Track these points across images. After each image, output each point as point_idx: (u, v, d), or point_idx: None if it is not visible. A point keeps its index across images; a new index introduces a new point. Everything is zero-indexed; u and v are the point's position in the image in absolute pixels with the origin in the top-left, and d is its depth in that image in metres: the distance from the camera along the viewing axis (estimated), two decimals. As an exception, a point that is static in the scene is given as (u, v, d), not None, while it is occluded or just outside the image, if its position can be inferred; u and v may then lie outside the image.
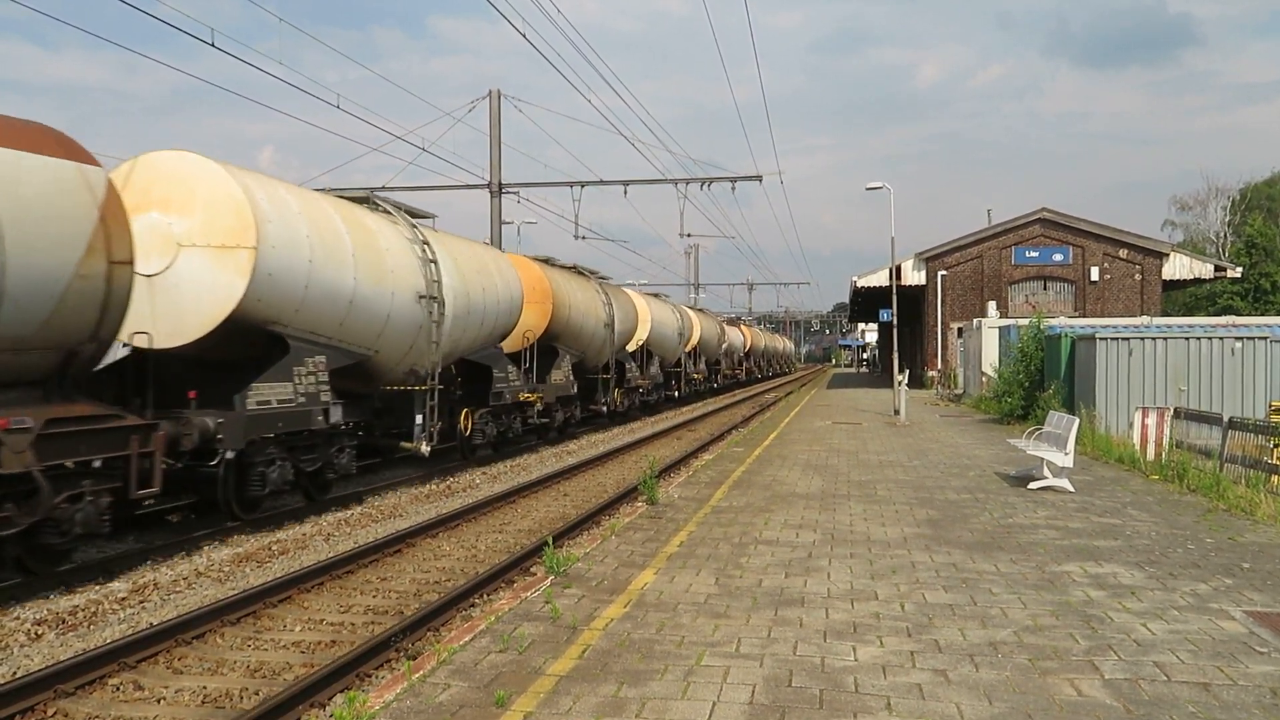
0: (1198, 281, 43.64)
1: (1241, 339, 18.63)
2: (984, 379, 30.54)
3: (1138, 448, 15.13)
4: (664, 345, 32.47)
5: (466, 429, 16.88)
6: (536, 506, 13.50)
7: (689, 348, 37.70)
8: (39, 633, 7.46)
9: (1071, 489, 12.19)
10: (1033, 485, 12.45)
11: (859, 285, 44.11)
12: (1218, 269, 42.49)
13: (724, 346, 46.91)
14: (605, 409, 25.46)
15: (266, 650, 7.13)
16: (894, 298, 33.01)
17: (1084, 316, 37.92)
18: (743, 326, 60.00)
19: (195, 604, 8.20)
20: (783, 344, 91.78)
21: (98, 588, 8.73)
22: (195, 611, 7.56)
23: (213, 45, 14.92)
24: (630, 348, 28.86)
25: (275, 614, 8.01)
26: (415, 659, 6.22)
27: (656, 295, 35.68)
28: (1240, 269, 46.45)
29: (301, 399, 11.70)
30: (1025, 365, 23.38)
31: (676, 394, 35.78)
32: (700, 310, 45.24)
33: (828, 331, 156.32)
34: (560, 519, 12.32)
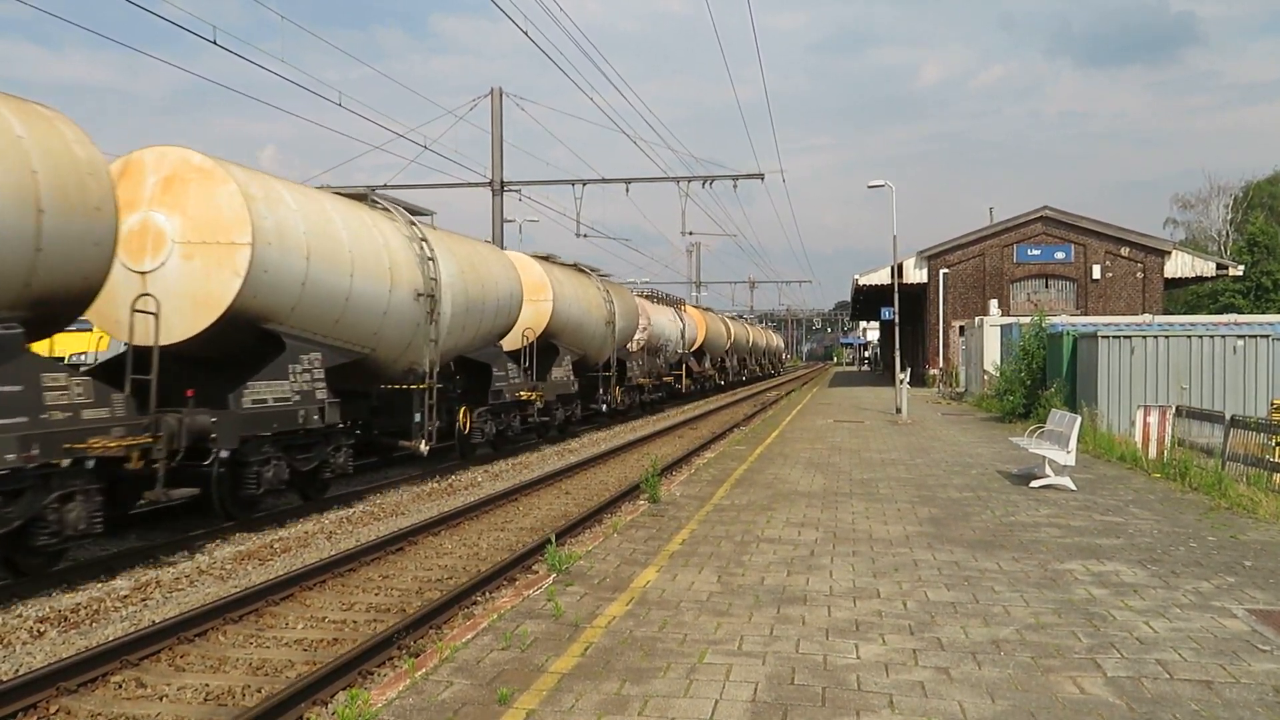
0: (1199, 280, 43.60)
1: (1243, 337, 18.61)
2: (986, 377, 30.53)
3: (1139, 446, 15.12)
4: (389, 341, 13.82)
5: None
6: (538, 504, 13.50)
7: (524, 336, 19.92)
8: (41, 630, 7.47)
9: (1073, 487, 12.18)
10: (1035, 483, 12.44)
11: (861, 283, 44.09)
12: (1219, 267, 42.44)
13: (641, 338, 29.70)
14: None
15: (269, 648, 7.13)
16: (896, 296, 33.00)
17: (1086, 315, 37.89)
18: (688, 309, 40.66)
19: (197, 602, 8.20)
20: (765, 338, 71.09)
21: (100, 585, 8.74)
22: (197, 609, 7.56)
23: (215, 44, 14.93)
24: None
25: (277, 612, 8.01)
26: (418, 656, 6.23)
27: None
28: (1242, 267, 46.41)
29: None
30: (1027, 363, 23.37)
31: (419, 444, 15.17)
32: (576, 268, 24.57)
33: (829, 330, 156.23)
34: (562, 517, 12.32)
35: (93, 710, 5.93)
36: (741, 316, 73.69)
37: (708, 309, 48.22)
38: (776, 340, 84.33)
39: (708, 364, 43.15)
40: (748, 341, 57.12)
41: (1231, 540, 9.08)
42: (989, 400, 27.89)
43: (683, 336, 36.90)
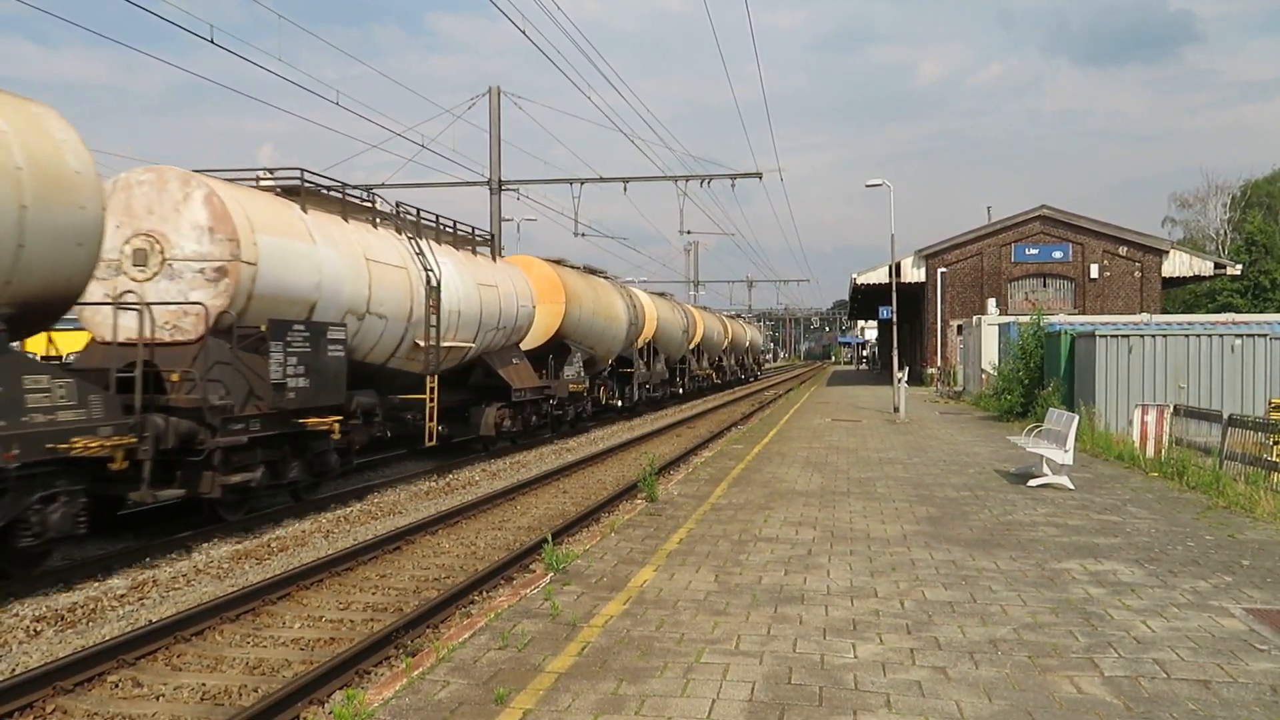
0: (1197, 279, 43.65)
1: (1241, 336, 18.62)
2: (984, 376, 30.54)
3: (1137, 445, 15.12)
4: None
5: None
6: (536, 504, 13.50)
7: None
8: (38, 629, 7.46)
9: (1071, 486, 12.18)
10: (1032, 482, 12.44)
11: (859, 283, 44.09)
12: (1217, 266, 42.48)
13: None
14: None
15: (266, 647, 7.13)
16: (894, 295, 32.99)
17: (1084, 314, 37.91)
18: (533, 265, 22.06)
19: (194, 601, 8.19)
20: (729, 331, 48.89)
21: (97, 584, 8.73)
22: (195, 608, 7.55)
23: (212, 42, 14.90)
24: None
25: (275, 611, 8.00)
26: (415, 656, 6.22)
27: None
28: (1240, 266, 46.44)
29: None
30: (1025, 363, 23.38)
31: None
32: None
33: (827, 329, 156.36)
34: (560, 516, 12.32)
35: (89, 710, 5.92)
36: (740, 314, 65.55)
37: (596, 271, 26.75)
38: (751, 334, 60.78)
39: (572, 372, 22.51)
40: (689, 334, 37.24)
41: (1229, 539, 9.09)
42: (987, 399, 27.90)
43: (499, 316, 18.01)
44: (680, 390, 37.12)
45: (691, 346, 38.32)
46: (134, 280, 11.01)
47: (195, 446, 10.12)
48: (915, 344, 49.07)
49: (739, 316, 60.37)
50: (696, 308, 43.54)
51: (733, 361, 51.29)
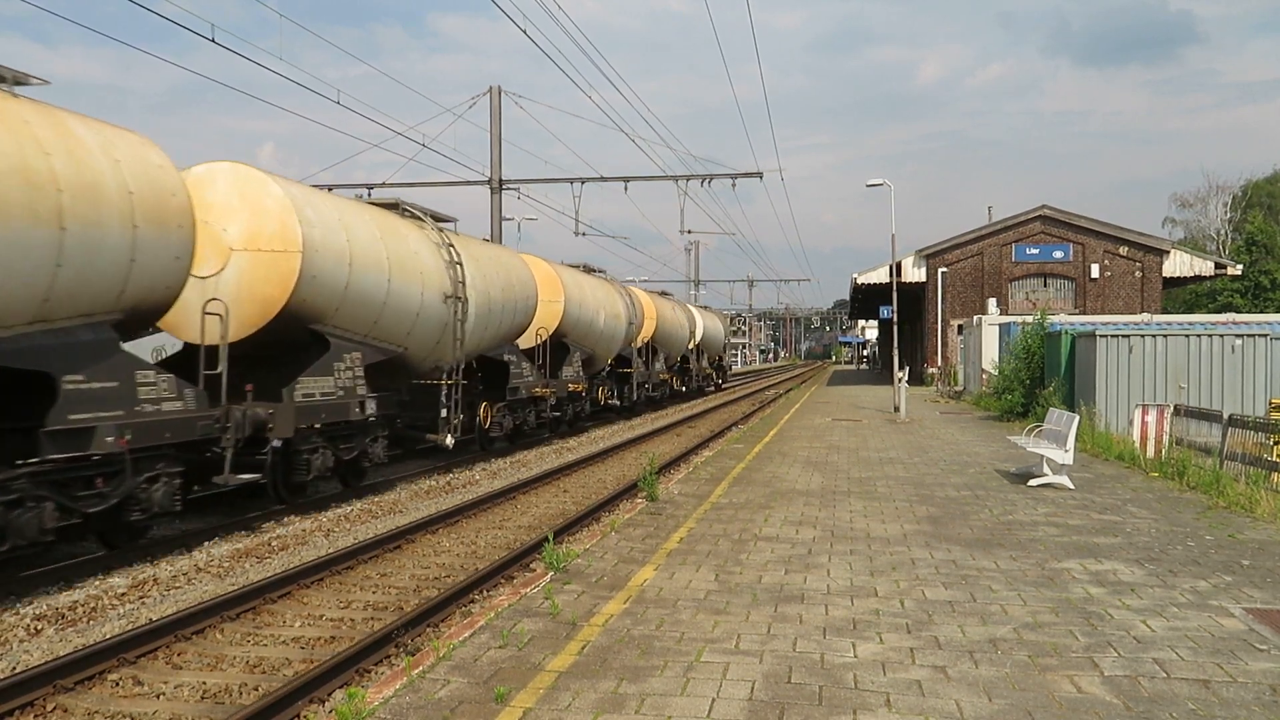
0: (1198, 279, 43.62)
1: (1241, 336, 18.62)
2: (984, 376, 30.55)
3: (1138, 445, 15.12)
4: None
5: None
6: (536, 503, 13.50)
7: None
8: (38, 628, 7.46)
9: (1071, 486, 12.19)
10: (1033, 482, 12.45)
11: (859, 282, 44.09)
12: (1218, 266, 42.46)
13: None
14: None
15: (266, 646, 7.13)
16: (894, 295, 32.99)
17: (1084, 314, 37.91)
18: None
19: (195, 599, 8.20)
20: (655, 316, 30.40)
21: (97, 583, 8.73)
22: (195, 607, 7.56)
23: (213, 41, 14.90)
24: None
25: (275, 610, 8.01)
26: (415, 655, 6.22)
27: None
28: (1240, 266, 46.43)
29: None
30: (1026, 362, 23.38)
31: None
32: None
33: (828, 328, 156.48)
34: (560, 515, 12.32)
35: (90, 708, 5.92)
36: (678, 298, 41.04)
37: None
38: (705, 324, 41.40)
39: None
40: (511, 311, 17.79)
41: (1229, 539, 9.09)
42: (987, 399, 27.90)
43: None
44: (457, 436, 16.37)
45: (576, 340, 22.98)
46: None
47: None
48: (916, 344, 49.09)
49: (668, 294, 38.20)
50: (569, 266, 24.60)
51: (661, 365, 32.53)
